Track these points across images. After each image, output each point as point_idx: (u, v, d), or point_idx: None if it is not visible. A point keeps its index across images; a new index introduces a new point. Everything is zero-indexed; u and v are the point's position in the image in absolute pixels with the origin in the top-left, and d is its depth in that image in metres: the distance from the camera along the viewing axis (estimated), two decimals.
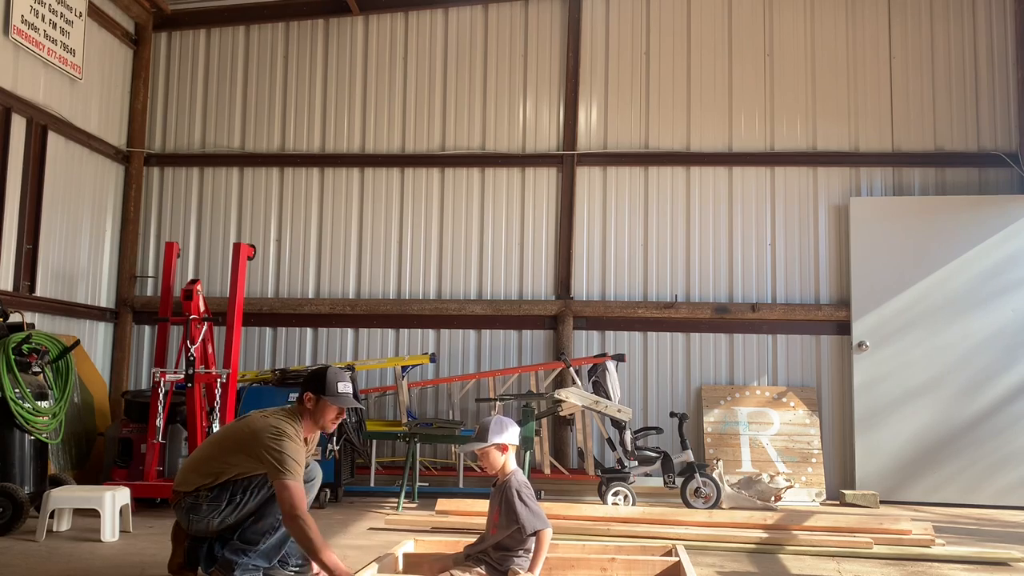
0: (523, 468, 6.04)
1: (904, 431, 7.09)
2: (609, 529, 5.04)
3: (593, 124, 7.82)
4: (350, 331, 7.76)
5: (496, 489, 3.58)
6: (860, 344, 7.22)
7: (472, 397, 7.42)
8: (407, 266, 7.82)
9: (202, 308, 5.89)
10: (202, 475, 3.64)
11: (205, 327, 5.85)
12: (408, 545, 4.12)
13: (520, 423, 6.25)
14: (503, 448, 3.56)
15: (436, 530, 5.13)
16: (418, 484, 6.35)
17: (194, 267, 7.95)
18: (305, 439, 3.77)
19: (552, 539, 4.74)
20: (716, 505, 6.12)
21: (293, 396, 6.23)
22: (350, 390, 3.80)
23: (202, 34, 8.18)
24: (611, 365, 6.56)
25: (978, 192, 7.44)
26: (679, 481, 6.21)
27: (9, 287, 6.30)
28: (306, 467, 3.67)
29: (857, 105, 7.64)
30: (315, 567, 3.53)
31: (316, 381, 3.73)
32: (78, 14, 6.96)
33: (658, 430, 6.64)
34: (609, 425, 6.50)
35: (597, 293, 7.65)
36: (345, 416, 6.11)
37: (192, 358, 5.73)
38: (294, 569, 3.82)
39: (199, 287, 5.87)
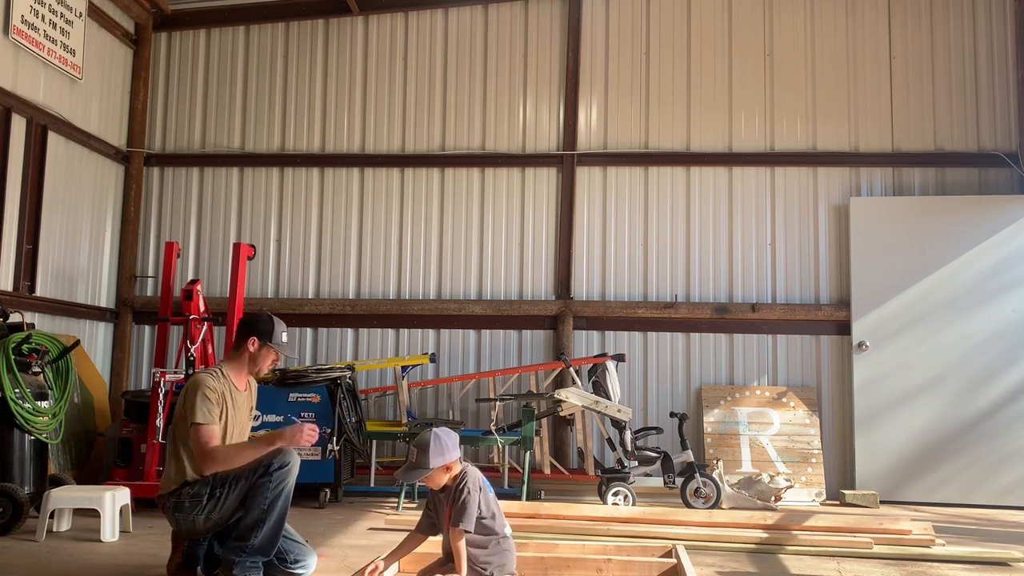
0: (523, 468, 6.06)
1: (904, 431, 7.09)
2: (609, 529, 5.04)
3: (593, 124, 7.82)
4: (350, 331, 7.76)
5: (448, 491, 3.51)
6: (860, 344, 7.22)
7: (472, 397, 7.43)
8: (407, 266, 7.82)
9: (202, 308, 5.90)
10: (171, 466, 3.74)
11: (205, 327, 5.86)
12: None
13: (520, 423, 6.27)
14: (448, 467, 3.46)
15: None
16: (418, 484, 6.34)
17: (194, 267, 7.95)
18: (245, 387, 3.94)
19: (553, 539, 4.75)
20: (716, 505, 6.12)
21: (293, 396, 6.25)
22: (287, 340, 4.04)
23: (202, 34, 8.18)
24: (611, 365, 6.56)
25: (978, 192, 7.44)
26: (679, 481, 6.21)
27: (9, 287, 6.30)
28: (280, 452, 3.66)
29: (857, 105, 7.64)
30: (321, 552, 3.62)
31: (262, 328, 3.91)
32: (78, 14, 6.96)
33: (658, 430, 6.64)
34: (609, 425, 6.51)
35: (597, 293, 7.65)
36: (346, 416, 6.17)
37: (192, 358, 5.74)
38: (293, 566, 3.82)
39: (199, 287, 5.87)
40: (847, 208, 7.46)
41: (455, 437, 3.50)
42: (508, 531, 3.54)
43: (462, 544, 3.42)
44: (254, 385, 4.09)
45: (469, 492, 3.40)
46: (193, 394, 3.70)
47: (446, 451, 3.42)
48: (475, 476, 3.49)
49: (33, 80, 6.54)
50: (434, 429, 3.49)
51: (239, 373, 3.92)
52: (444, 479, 3.48)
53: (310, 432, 3.60)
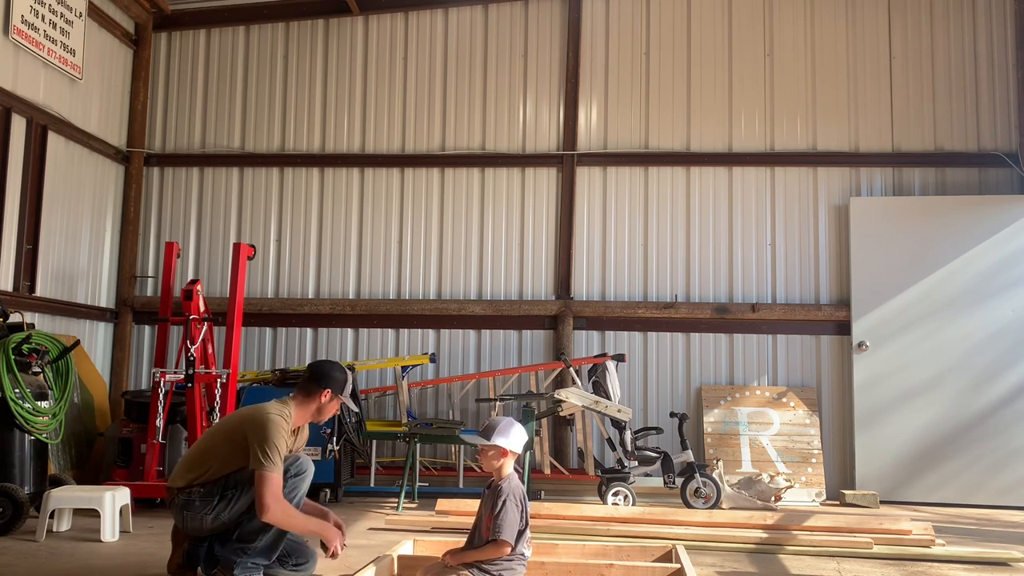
0: (523, 468, 6.06)
1: (904, 431, 7.09)
2: (609, 529, 5.04)
3: (593, 124, 7.82)
4: (350, 331, 7.76)
5: (491, 491, 3.56)
6: (860, 344, 7.22)
7: (472, 397, 7.43)
8: (407, 266, 7.82)
9: (202, 308, 5.89)
10: (192, 469, 3.66)
11: (205, 327, 5.85)
12: (407, 546, 4.12)
13: (520, 423, 6.26)
14: (503, 452, 3.54)
15: (436, 530, 5.13)
16: (418, 484, 6.36)
17: (194, 267, 7.95)
18: (295, 430, 3.83)
19: (552, 539, 4.75)
20: (716, 505, 6.12)
21: None
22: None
23: (202, 34, 8.18)
24: (611, 365, 6.56)
25: (978, 192, 7.44)
26: (679, 481, 6.22)
27: (9, 287, 6.30)
28: (296, 460, 3.70)
29: (857, 105, 7.64)
30: (324, 554, 3.68)
31: (335, 380, 3.86)
32: (78, 14, 6.96)
33: (658, 430, 6.64)
34: (609, 425, 6.51)
35: (597, 293, 7.65)
36: (346, 416, 6.18)
37: (192, 358, 5.73)
38: (293, 567, 3.82)
39: (199, 287, 5.87)
40: (847, 208, 7.46)
41: (524, 437, 3.61)
42: (528, 552, 3.54)
43: (496, 552, 3.42)
44: (306, 431, 4.00)
45: (507, 503, 3.43)
46: (274, 433, 3.56)
47: (509, 438, 3.53)
48: (518, 488, 3.52)
49: (33, 80, 6.54)
50: (512, 417, 3.71)
51: (301, 418, 3.83)
52: (495, 464, 3.53)
53: (338, 545, 3.66)
